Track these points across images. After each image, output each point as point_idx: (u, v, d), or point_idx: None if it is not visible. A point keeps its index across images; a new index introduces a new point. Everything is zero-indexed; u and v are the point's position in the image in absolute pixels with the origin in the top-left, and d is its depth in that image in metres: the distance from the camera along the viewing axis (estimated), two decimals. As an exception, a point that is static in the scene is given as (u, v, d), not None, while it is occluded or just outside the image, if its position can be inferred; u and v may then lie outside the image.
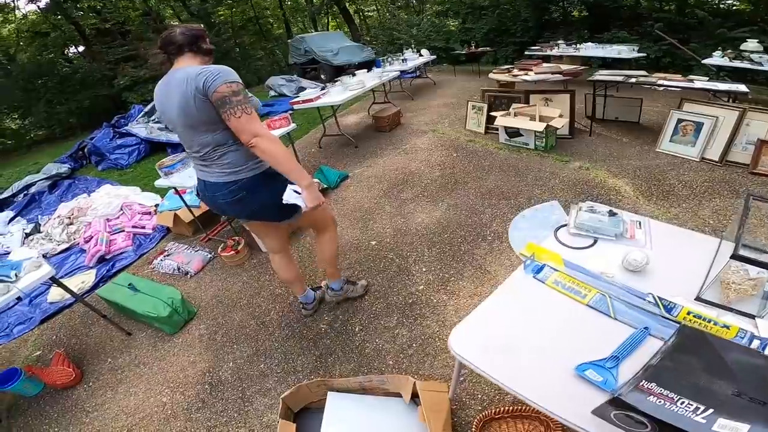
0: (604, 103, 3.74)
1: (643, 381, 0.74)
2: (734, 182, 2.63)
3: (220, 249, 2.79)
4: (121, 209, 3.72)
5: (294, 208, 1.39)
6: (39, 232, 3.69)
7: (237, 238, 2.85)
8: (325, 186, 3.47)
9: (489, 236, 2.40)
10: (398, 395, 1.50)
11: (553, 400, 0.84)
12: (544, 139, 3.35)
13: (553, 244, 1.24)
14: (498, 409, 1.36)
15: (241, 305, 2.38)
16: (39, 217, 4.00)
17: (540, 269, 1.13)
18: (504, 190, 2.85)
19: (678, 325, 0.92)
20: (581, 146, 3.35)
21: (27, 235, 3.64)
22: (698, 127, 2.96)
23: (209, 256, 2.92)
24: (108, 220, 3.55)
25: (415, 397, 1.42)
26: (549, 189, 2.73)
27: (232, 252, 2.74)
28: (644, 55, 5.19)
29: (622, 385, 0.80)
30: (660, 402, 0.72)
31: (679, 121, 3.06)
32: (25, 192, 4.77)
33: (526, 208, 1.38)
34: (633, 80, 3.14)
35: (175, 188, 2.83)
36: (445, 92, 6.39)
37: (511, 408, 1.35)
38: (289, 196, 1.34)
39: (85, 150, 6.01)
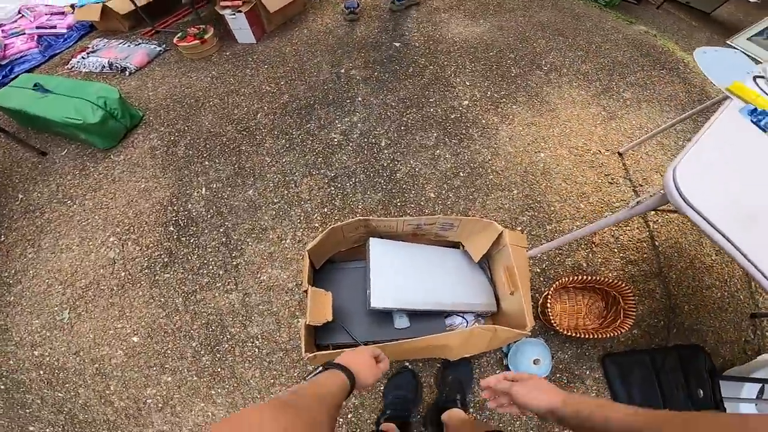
0: (684, -17, 3.09)
1: None
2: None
3: (176, 39, 1.94)
4: (19, 12, 2.45)
5: None
6: None
7: (203, 26, 1.97)
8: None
9: (545, 66, 1.95)
10: (453, 245, 1.09)
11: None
12: (611, -6, 2.71)
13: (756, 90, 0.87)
14: (572, 278, 1.08)
15: (211, 106, 1.68)
16: None
17: (763, 117, 0.81)
18: (560, 28, 2.31)
19: None
20: (647, 14, 2.79)
21: None
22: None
23: (158, 49, 2.05)
24: (1, 25, 2.33)
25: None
26: (612, 41, 2.27)
27: (196, 41, 1.90)
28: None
29: None
30: None
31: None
32: None
33: (707, 46, 0.93)
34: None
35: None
36: None
37: (583, 278, 1.09)
38: None
39: None
